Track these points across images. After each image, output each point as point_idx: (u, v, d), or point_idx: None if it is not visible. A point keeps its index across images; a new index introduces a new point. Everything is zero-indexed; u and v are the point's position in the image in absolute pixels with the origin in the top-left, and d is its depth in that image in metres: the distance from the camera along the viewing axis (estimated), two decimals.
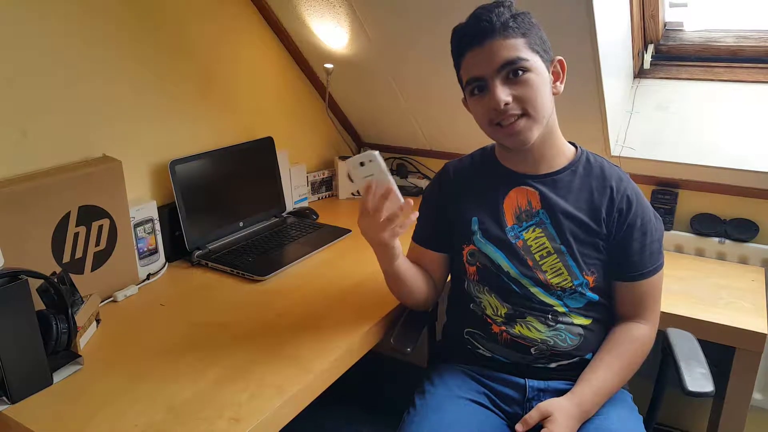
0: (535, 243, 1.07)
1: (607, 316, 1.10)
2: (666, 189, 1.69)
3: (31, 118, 1.24)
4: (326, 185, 2.11)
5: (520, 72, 0.98)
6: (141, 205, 1.41)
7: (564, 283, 1.05)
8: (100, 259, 1.29)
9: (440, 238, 1.18)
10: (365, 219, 0.99)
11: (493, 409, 1.08)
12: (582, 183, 1.08)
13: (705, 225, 1.65)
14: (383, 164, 0.96)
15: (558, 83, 1.05)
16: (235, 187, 1.65)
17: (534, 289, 1.06)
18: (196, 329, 1.17)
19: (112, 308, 1.27)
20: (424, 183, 2.13)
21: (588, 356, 1.07)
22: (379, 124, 2.14)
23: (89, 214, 1.26)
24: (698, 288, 1.45)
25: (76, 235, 1.24)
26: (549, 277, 1.06)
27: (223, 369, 1.02)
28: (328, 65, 1.86)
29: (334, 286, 1.35)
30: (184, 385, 0.98)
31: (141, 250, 1.41)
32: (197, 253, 1.51)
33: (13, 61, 1.20)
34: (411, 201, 0.97)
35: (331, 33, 1.77)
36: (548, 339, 1.05)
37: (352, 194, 2.09)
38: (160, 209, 1.46)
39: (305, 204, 1.96)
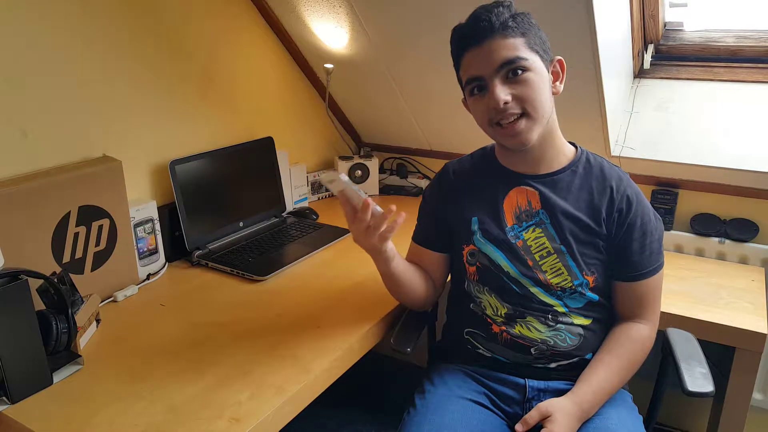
0: (535, 243, 1.07)
1: (607, 316, 1.10)
2: (666, 189, 1.69)
3: (32, 118, 1.24)
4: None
5: (520, 71, 0.98)
6: (141, 205, 1.41)
7: (564, 283, 1.05)
8: (100, 259, 1.30)
9: (440, 238, 1.18)
10: (352, 227, 1.01)
11: (493, 409, 1.08)
12: (582, 183, 1.08)
13: (705, 225, 1.65)
14: (346, 181, 0.97)
15: (558, 83, 1.05)
16: (235, 187, 1.65)
17: (534, 289, 1.06)
18: (196, 329, 1.17)
19: (112, 308, 1.27)
20: (424, 183, 2.13)
21: (588, 356, 1.07)
22: (379, 124, 2.14)
23: (89, 214, 1.26)
24: (698, 288, 1.45)
25: (76, 235, 1.24)
26: (549, 277, 1.06)
27: (223, 369, 1.02)
28: (328, 65, 1.86)
29: (334, 286, 1.35)
30: (184, 385, 0.98)
31: (141, 250, 1.41)
32: (197, 253, 1.51)
33: (13, 61, 1.20)
34: (393, 207, 0.98)
35: (331, 33, 1.77)
36: (548, 339, 1.05)
37: None
38: (160, 209, 1.46)
39: (305, 204, 1.96)
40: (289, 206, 1.88)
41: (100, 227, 1.29)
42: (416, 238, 1.22)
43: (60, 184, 1.20)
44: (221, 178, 1.62)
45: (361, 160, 2.08)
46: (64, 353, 1.03)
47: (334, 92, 2.06)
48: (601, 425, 1.00)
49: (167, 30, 1.51)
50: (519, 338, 1.06)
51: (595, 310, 1.07)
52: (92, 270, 1.28)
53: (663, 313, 1.18)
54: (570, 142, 1.12)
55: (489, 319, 1.09)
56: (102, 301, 1.28)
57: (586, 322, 1.07)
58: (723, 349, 1.32)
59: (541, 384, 1.07)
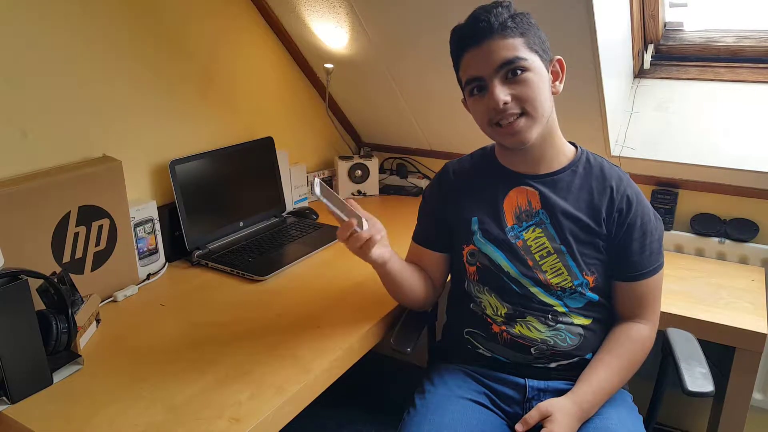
0: (535, 243, 1.07)
1: (607, 316, 1.10)
2: (666, 189, 1.69)
3: (32, 118, 1.24)
4: (326, 185, 2.11)
5: (519, 71, 0.98)
6: (141, 205, 1.41)
7: (564, 283, 1.05)
8: (100, 259, 1.30)
9: (440, 238, 1.18)
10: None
11: (493, 409, 1.08)
12: (582, 183, 1.08)
13: (705, 225, 1.65)
14: (318, 194, 0.97)
15: (557, 83, 1.05)
16: (235, 187, 1.65)
17: (534, 289, 1.06)
18: (196, 329, 1.17)
19: (112, 308, 1.27)
20: (424, 183, 2.13)
21: (588, 356, 1.07)
22: (379, 124, 2.14)
23: (89, 214, 1.26)
24: (698, 288, 1.45)
25: (76, 235, 1.24)
26: (549, 277, 1.06)
27: (223, 369, 1.02)
28: (328, 65, 1.86)
29: (334, 286, 1.35)
30: (184, 385, 0.98)
31: (141, 250, 1.41)
32: (197, 253, 1.51)
33: (13, 61, 1.20)
34: (366, 224, 1.00)
35: (331, 33, 1.77)
36: (548, 339, 1.05)
37: (352, 194, 2.10)
38: (160, 209, 1.46)
39: (305, 204, 1.96)
40: (289, 206, 1.88)
41: (100, 227, 1.29)
42: (416, 238, 1.22)
43: (60, 184, 1.20)
44: (221, 178, 1.62)
45: (361, 160, 2.08)
46: (64, 353, 1.03)
47: (334, 92, 2.06)
48: (601, 425, 1.00)
49: (167, 30, 1.51)
50: (519, 338, 1.06)
51: (595, 310, 1.07)
52: (92, 270, 1.28)
53: (663, 313, 1.17)
54: (570, 142, 1.12)
55: (489, 319, 1.09)
56: (102, 301, 1.28)
57: (586, 322, 1.07)
58: (723, 349, 1.32)
59: (541, 384, 1.07)
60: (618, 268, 1.07)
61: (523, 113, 1.00)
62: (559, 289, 1.06)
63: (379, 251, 1.04)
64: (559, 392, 1.03)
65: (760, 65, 1.62)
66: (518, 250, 1.07)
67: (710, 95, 1.66)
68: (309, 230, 1.69)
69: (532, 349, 1.06)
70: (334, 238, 1.62)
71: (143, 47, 1.45)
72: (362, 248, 1.01)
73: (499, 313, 1.08)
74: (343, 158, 2.08)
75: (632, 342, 1.06)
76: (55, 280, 1.04)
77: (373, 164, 2.09)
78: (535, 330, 1.06)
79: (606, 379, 1.02)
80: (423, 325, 1.23)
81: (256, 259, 1.48)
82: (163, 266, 1.47)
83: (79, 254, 1.25)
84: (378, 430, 1.86)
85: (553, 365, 1.07)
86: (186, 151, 1.56)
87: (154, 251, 1.45)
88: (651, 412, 1.18)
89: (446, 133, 2.00)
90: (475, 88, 1.02)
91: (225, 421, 0.89)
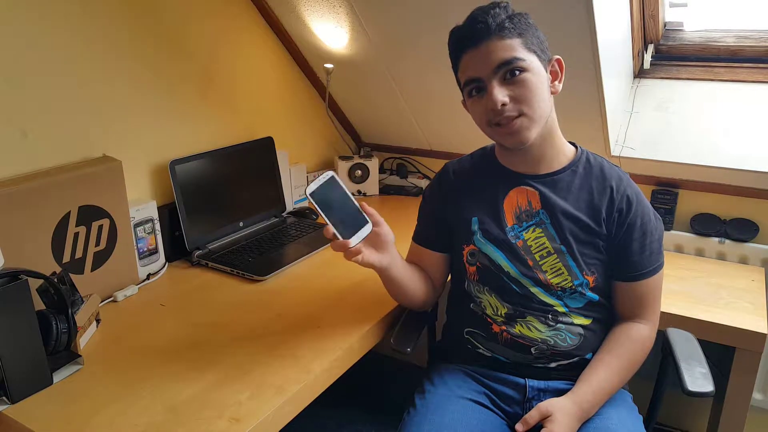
0: (535, 243, 1.07)
1: (607, 316, 1.10)
2: (666, 189, 1.69)
3: (32, 118, 1.24)
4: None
5: (517, 72, 0.98)
6: (141, 205, 1.41)
7: (564, 283, 1.05)
8: (100, 259, 1.30)
9: (440, 238, 1.18)
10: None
11: (493, 408, 1.08)
12: (582, 183, 1.08)
13: (705, 225, 1.65)
14: (316, 206, 0.98)
15: (556, 83, 1.05)
16: (235, 187, 1.65)
17: (534, 289, 1.06)
18: (196, 329, 1.17)
19: (112, 308, 1.27)
20: (424, 183, 2.13)
21: (588, 356, 1.07)
22: (379, 124, 2.14)
23: (89, 214, 1.26)
24: (698, 288, 1.45)
25: (76, 235, 1.24)
26: (549, 277, 1.06)
27: (223, 369, 1.02)
28: (328, 65, 1.86)
29: (334, 286, 1.35)
30: (184, 385, 0.98)
31: (141, 250, 1.41)
32: (197, 253, 1.51)
33: (13, 61, 1.20)
34: (355, 237, 1.00)
35: (331, 33, 1.77)
36: (548, 339, 1.05)
37: (352, 194, 2.09)
38: (160, 209, 1.46)
39: (305, 204, 1.96)
40: (289, 206, 1.88)
41: (100, 227, 1.29)
42: (416, 239, 1.22)
43: (60, 184, 1.20)
44: (221, 178, 1.62)
45: (361, 160, 2.08)
46: (64, 353, 1.03)
47: (334, 92, 2.06)
48: (601, 425, 1.00)
49: (167, 30, 1.51)
50: (519, 338, 1.06)
51: (595, 310, 1.07)
52: (92, 270, 1.28)
53: (663, 313, 1.17)
54: (570, 142, 1.12)
55: (489, 319, 1.09)
56: (102, 301, 1.28)
57: (586, 321, 1.07)
58: (723, 349, 1.32)
59: (541, 384, 1.07)
60: (618, 268, 1.07)
61: (522, 114, 1.00)
62: (559, 289, 1.06)
63: (371, 259, 1.03)
64: (559, 392, 1.03)
65: (760, 65, 1.62)
66: (518, 250, 1.07)
67: (710, 95, 1.66)
68: (309, 230, 1.69)
69: (532, 349, 1.06)
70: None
71: (143, 47, 1.45)
72: (346, 256, 1.01)
73: (499, 313, 1.08)
74: (343, 158, 2.08)
75: (632, 342, 1.06)
76: (55, 280, 1.04)
77: (373, 164, 2.09)
78: (535, 330, 1.06)
79: (606, 379, 1.02)
80: (423, 325, 1.23)
81: (256, 259, 1.48)
82: (163, 266, 1.47)
83: (79, 254, 1.25)
84: (378, 430, 1.86)
85: (553, 365, 1.07)
86: (186, 151, 1.56)
87: (154, 251, 1.45)
88: (651, 412, 1.18)
89: (446, 133, 2.00)
90: (473, 89, 1.02)
91: (225, 421, 0.89)
